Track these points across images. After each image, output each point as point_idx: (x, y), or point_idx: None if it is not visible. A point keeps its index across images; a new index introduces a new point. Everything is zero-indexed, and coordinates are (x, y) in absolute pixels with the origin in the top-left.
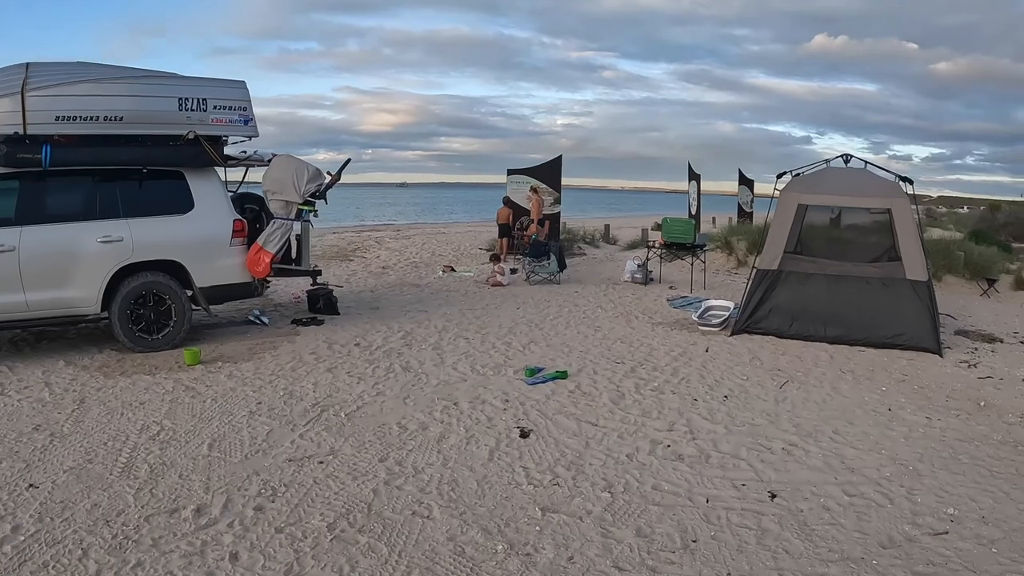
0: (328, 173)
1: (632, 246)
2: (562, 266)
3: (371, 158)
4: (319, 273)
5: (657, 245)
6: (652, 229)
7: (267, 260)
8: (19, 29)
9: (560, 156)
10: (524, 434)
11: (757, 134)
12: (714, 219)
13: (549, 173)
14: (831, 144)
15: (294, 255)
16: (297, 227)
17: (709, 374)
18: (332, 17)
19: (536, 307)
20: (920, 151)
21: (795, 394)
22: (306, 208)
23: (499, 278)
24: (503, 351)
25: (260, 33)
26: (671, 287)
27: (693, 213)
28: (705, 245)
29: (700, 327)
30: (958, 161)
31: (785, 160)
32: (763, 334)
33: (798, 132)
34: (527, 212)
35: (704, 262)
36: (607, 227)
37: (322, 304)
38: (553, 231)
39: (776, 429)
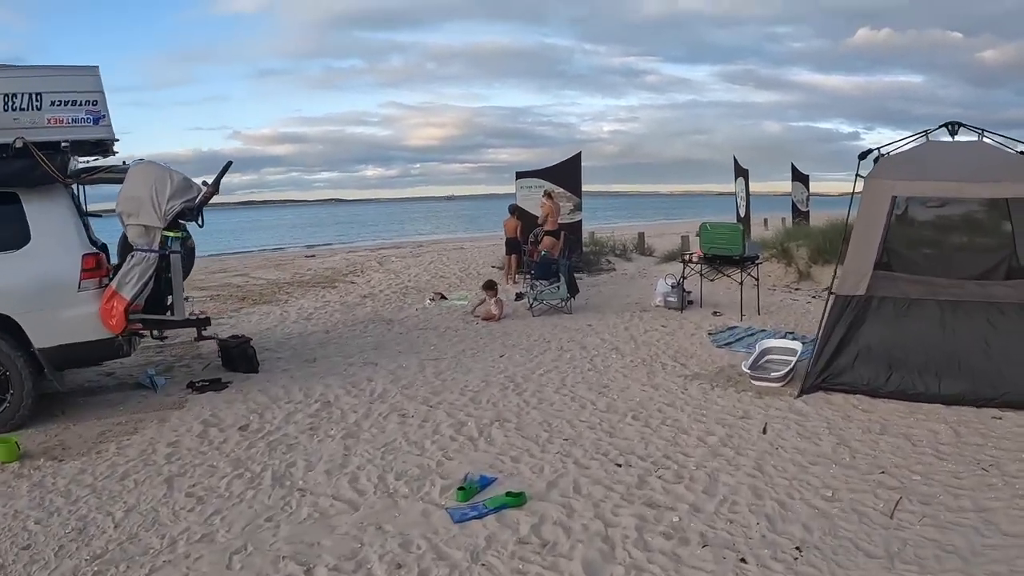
0: (204, 183)
1: (670, 258)
2: (572, 290)
3: (420, 172)
4: (205, 323)
5: (695, 259)
6: (695, 235)
7: (120, 309)
8: (62, 53)
9: (579, 154)
10: None
11: (804, 132)
12: (766, 221)
13: (566, 174)
14: (879, 139)
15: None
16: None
17: (769, 485)
18: (374, 34)
19: (528, 352)
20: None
21: (919, 532)
22: (172, 235)
23: (491, 309)
24: (445, 441)
25: (304, 53)
26: (715, 312)
27: (742, 215)
28: (758, 257)
29: (754, 382)
30: None
31: (834, 158)
32: (847, 391)
33: (846, 128)
34: (538, 222)
35: (757, 279)
36: (641, 236)
37: (235, 358)
38: (573, 244)
39: None
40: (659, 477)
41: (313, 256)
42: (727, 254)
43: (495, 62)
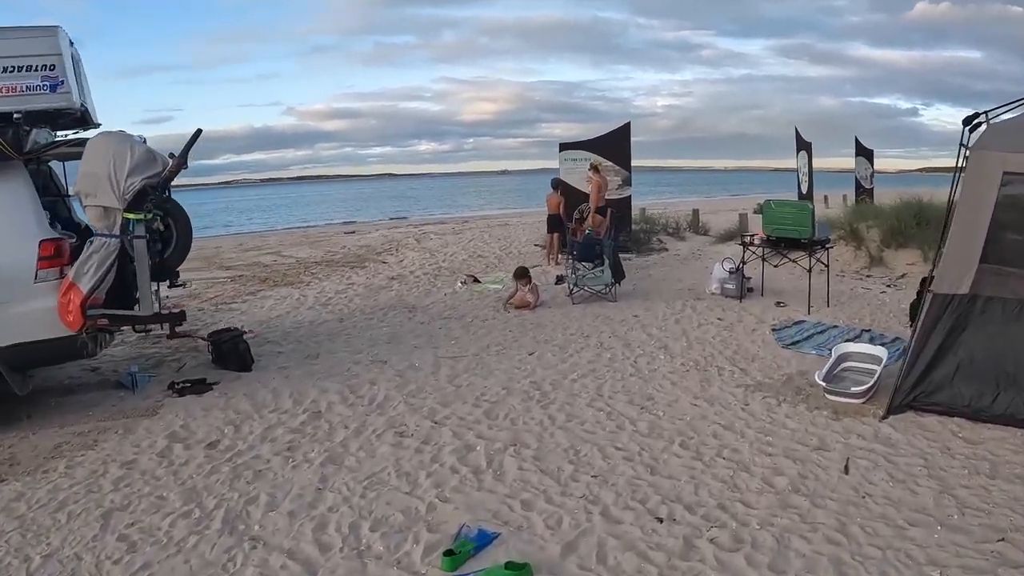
0: (171, 155)
1: (727, 237)
2: (618, 275)
3: (472, 147)
4: (178, 319)
5: (756, 241)
6: (754, 212)
7: (77, 303)
8: (118, 34)
9: (628, 124)
10: None
11: (861, 108)
12: (826, 198)
13: (614, 146)
14: (938, 116)
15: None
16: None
17: (857, 558)
18: (425, 9)
19: (562, 350)
20: None
21: None
22: (134, 217)
23: (526, 297)
24: (443, 474)
25: (355, 30)
26: (778, 303)
27: (804, 192)
28: (828, 240)
29: (830, 396)
30: None
31: (891, 134)
32: (944, 413)
33: (903, 104)
34: (586, 197)
35: (827, 265)
36: (695, 213)
37: (226, 354)
38: (620, 222)
39: None
40: (711, 541)
41: (353, 232)
42: (793, 236)
43: (548, 36)
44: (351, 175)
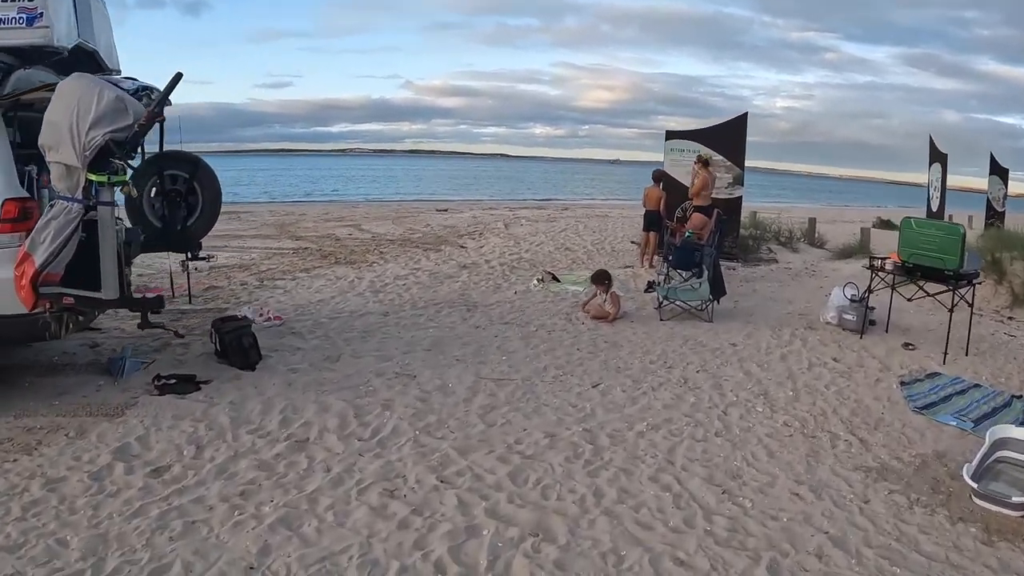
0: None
1: (845, 254)
2: (718, 291)
3: (587, 134)
4: (153, 306)
5: (887, 266)
6: (874, 227)
7: (28, 277)
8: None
9: (745, 115)
10: None
11: (986, 124)
12: (970, 219)
13: (727, 139)
14: None
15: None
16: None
17: None
18: None
19: (635, 384)
20: None
21: None
22: (97, 179)
23: (604, 307)
24: (423, 574)
25: (479, 8)
26: (906, 344)
27: (935, 210)
28: (977, 274)
29: (980, 502)
30: None
31: (1015, 155)
32: None
33: None
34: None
35: (971, 305)
36: (812, 222)
37: (228, 348)
38: (727, 226)
39: None
40: None
41: (445, 211)
42: (936, 266)
43: (670, 27)
44: (464, 152)
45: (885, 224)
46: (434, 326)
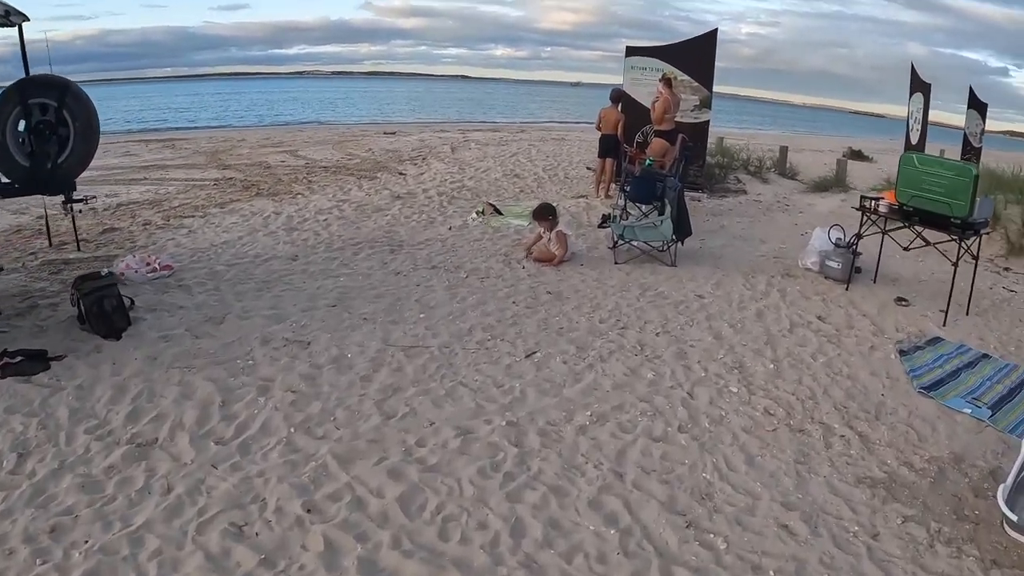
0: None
1: (820, 187)
2: (682, 230)
3: (549, 56)
4: None
5: (881, 208)
6: (845, 156)
7: None
8: None
9: (715, 31)
10: None
11: (950, 60)
12: (942, 152)
13: (695, 57)
14: None
15: None
16: None
17: None
18: None
19: (580, 352)
20: None
21: None
22: None
23: (550, 247)
24: None
25: None
26: (899, 299)
27: (915, 143)
28: (986, 224)
29: (1016, 534)
30: None
31: (981, 92)
32: None
33: (994, 62)
34: (650, 117)
35: (976, 258)
36: (783, 151)
37: (88, 312)
38: (692, 153)
39: None
40: None
41: (393, 134)
42: (941, 212)
43: None
44: (424, 73)
45: (856, 155)
46: (347, 273)
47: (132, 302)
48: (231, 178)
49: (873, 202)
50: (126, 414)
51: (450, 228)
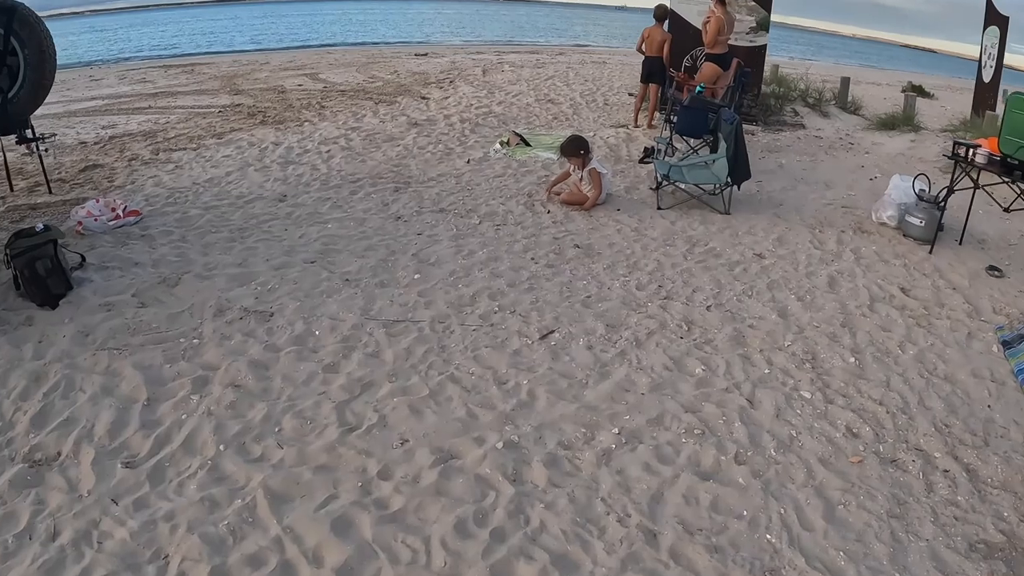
0: None
1: (887, 124)
2: (739, 173)
3: None
4: None
5: (978, 158)
6: (905, 91)
7: None
8: None
9: None
10: None
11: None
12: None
13: None
14: None
15: None
16: None
17: None
18: None
19: (606, 335)
20: None
21: None
22: None
23: (581, 187)
24: None
25: None
26: (991, 268)
27: (987, 81)
28: None
29: None
30: None
31: None
32: None
33: None
34: (701, 39)
35: None
36: (845, 82)
37: (20, 277)
38: (747, 81)
39: None
40: None
41: (425, 55)
42: None
43: None
44: None
45: (917, 90)
46: (337, 217)
47: (83, 259)
48: (239, 104)
49: (970, 151)
50: (33, 415)
51: (468, 161)
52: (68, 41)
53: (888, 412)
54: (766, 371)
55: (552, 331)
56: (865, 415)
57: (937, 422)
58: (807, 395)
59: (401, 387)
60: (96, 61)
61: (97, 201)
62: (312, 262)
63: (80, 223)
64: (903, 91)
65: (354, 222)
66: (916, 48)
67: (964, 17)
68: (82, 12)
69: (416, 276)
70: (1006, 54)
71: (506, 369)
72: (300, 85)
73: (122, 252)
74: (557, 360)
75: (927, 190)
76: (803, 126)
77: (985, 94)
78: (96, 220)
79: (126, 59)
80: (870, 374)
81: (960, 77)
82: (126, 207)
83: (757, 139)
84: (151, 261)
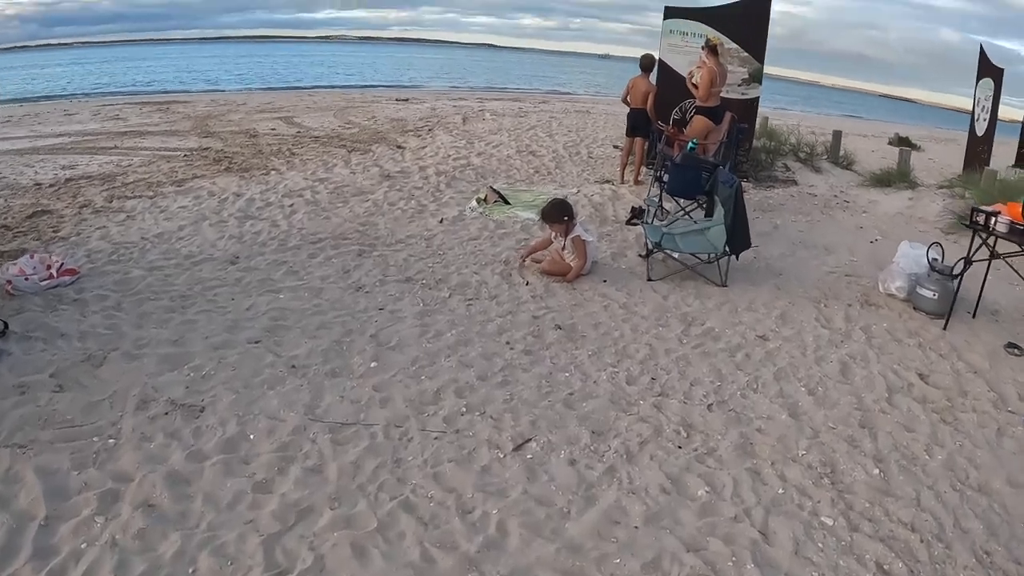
0: None
1: (882, 181)
2: (736, 242)
3: (578, 27)
4: None
5: (999, 226)
6: (892, 143)
7: None
8: None
9: None
10: None
11: (985, 48)
12: None
13: (746, 23)
14: None
15: None
16: None
17: None
18: None
19: (591, 446)
20: None
21: None
22: None
23: (564, 257)
24: None
25: None
26: (1012, 348)
27: (980, 134)
28: None
29: None
30: None
31: (1009, 81)
32: None
33: None
34: (689, 91)
35: None
36: (837, 135)
37: None
38: (741, 135)
39: None
40: None
41: (406, 100)
42: None
43: None
44: (451, 40)
45: (903, 141)
46: (291, 286)
47: (6, 327)
48: (207, 148)
49: (990, 218)
50: None
51: (441, 220)
52: (52, 72)
53: (922, 540)
54: (780, 491)
55: (528, 440)
56: (896, 545)
57: (977, 550)
58: (828, 521)
59: (344, 517)
60: (75, 95)
61: (31, 257)
62: (257, 342)
63: (9, 282)
64: (890, 143)
65: (309, 292)
66: (895, 98)
67: (943, 68)
68: (71, 43)
69: (373, 364)
70: (946, 95)
71: (472, 493)
72: (273, 129)
73: (50, 319)
74: (534, 480)
75: (939, 259)
76: (795, 182)
77: (978, 147)
78: (27, 279)
79: (105, 94)
80: (897, 488)
81: (943, 128)
82: (62, 265)
83: (749, 196)
84: (78, 333)
